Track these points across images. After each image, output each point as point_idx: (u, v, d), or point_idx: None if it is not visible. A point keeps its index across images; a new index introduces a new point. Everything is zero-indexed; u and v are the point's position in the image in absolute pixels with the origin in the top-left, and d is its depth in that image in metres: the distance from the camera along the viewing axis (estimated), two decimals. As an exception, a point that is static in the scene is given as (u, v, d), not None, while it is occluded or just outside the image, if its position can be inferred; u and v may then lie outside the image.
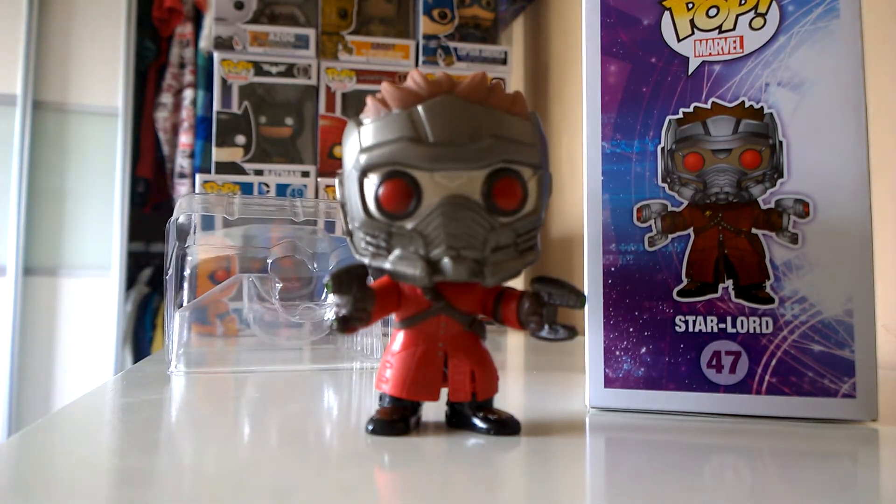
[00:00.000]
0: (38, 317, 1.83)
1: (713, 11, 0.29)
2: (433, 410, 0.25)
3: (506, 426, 0.24)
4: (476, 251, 0.22)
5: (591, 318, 0.29)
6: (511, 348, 0.68)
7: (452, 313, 0.24)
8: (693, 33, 0.29)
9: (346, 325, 0.23)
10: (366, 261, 0.23)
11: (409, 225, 0.22)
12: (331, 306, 0.46)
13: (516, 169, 0.22)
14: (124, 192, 1.89)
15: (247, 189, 0.82)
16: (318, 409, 0.30)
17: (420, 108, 0.22)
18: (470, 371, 0.24)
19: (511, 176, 0.22)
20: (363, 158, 0.22)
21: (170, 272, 0.40)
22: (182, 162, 1.81)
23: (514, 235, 0.22)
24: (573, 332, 0.23)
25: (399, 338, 0.24)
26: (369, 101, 0.23)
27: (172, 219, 0.41)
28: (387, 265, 0.23)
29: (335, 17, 1.00)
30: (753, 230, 0.27)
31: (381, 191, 0.22)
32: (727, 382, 0.27)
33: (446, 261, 0.22)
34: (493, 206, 0.22)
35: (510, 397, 0.32)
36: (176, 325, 0.41)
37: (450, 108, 0.22)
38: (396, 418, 0.24)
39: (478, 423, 0.24)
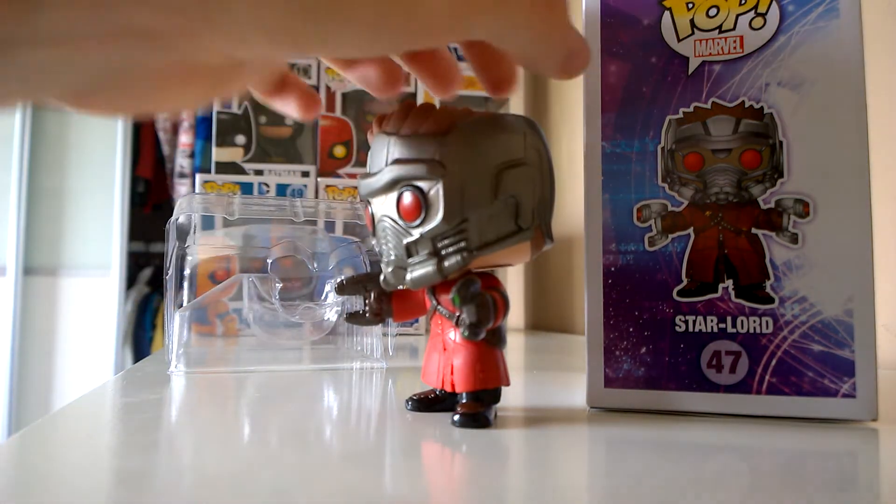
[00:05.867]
0: (38, 317, 1.83)
1: (713, 11, 0.29)
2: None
3: (465, 420, 0.25)
4: (402, 261, 0.25)
5: (591, 318, 0.29)
6: (511, 348, 0.68)
7: (441, 311, 0.27)
8: (693, 33, 0.29)
9: (353, 319, 0.29)
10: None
11: (373, 242, 0.26)
12: (331, 306, 0.46)
13: (416, 184, 0.24)
14: (124, 192, 1.89)
15: (247, 189, 0.82)
16: (318, 409, 0.30)
17: None
18: (451, 364, 0.26)
19: (410, 191, 0.24)
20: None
21: (170, 272, 0.40)
22: (182, 162, 1.81)
23: (431, 244, 0.24)
24: (473, 335, 0.24)
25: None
26: None
27: (172, 219, 0.41)
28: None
29: (335, 16, 1.00)
30: (753, 230, 0.27)
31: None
32: (727, 382, 0.27)
33: (386, 271, 0.26)
34: (403, 221, 0.25)
35: (510, 397, 0.32)
36: (176, 325, 0.41)
37: (376, 144, 0.26)
38: (423, 398, 0.28)
39: (453, 414, 0.26)
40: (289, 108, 0.27)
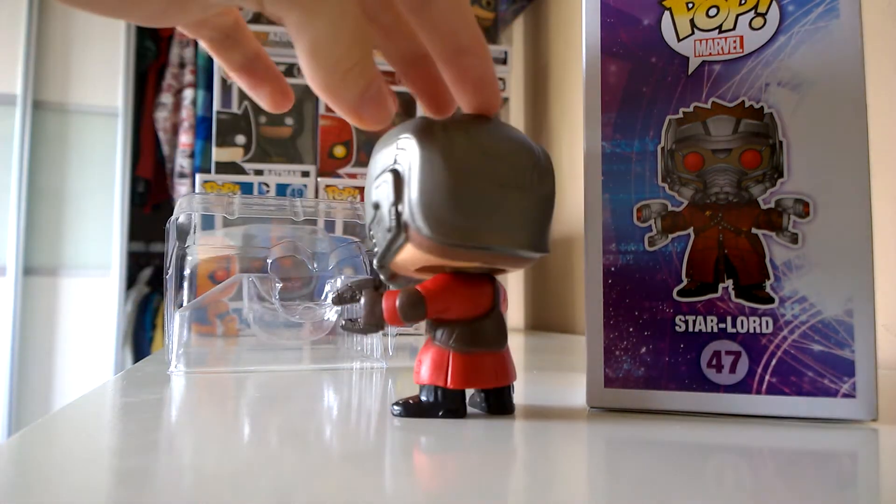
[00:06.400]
0: (38, 317, 1.83)
1: (713, 11, 0.29)
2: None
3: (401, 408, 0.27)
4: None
5: (591, 318, 0.29)
6: (511, 348, 0.67)
7: None
8: (693, 33, 0.29)
9: (352, 328, 0.29)
10: None
11: None
12: (331, 306, 0.46)
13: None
14: (124, 192, 1.89)
15: (247, 189, 0.82)
16: (318, 409, 0.30)
17: None
18: (419, 360, 0.28)
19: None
20: None
21: (170, 272, 0.40)
22: (182, 162, 1.81)
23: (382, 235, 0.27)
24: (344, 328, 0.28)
25: None
26: None
27: (172, 219, 0.41)
28: None
29: (335, 17, 1.00)
30: (753, 230, 0.27)
31: None
32: (727, 382, 0.27)
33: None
34: None
35: (510, 397, 0.32)
36: (176, 325, 0.41)
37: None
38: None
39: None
40: (260, 94, 0.29)
